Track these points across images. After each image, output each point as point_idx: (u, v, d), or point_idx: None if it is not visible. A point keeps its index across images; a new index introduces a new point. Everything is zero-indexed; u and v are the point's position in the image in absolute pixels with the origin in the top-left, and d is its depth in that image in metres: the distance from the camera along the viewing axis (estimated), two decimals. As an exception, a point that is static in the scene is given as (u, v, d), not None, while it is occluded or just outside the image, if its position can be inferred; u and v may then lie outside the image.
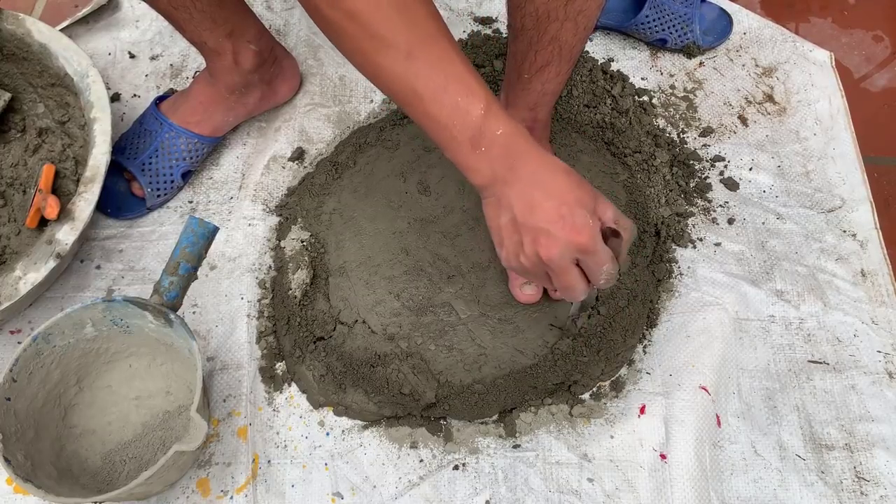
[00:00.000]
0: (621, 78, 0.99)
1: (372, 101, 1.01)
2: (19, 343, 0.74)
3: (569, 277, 0.57)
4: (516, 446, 0.77)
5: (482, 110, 0.53)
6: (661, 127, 0.97)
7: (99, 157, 0.80)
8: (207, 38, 0.84)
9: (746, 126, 0.98)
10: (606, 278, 0.58)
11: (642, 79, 1.01)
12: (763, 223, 0.90)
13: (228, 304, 0.86)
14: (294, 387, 0.81)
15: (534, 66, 0.69)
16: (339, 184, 0.88)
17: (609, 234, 0.58)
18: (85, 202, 0.78)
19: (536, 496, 0.74)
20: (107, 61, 1.04)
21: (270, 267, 0.88)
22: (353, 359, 0.78)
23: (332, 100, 1.00)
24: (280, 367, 0.82)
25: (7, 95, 0.89)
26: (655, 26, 1.01)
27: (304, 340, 0.80)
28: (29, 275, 0.75)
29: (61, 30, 0.98)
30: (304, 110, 0.99)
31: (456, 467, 0.76)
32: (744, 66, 1.03)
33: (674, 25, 1.01)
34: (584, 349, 0.77)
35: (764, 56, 1.03)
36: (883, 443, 0.76)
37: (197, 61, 1.04)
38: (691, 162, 0.94)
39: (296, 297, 0.81)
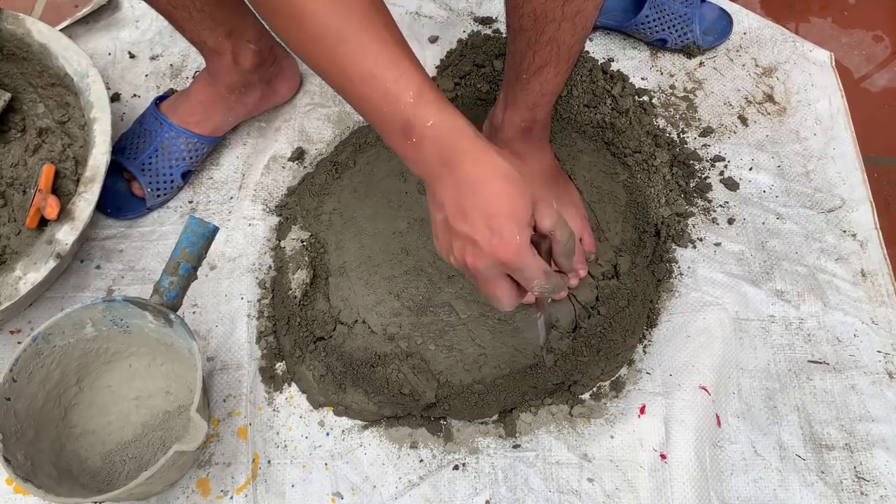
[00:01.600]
0: (621, 78, 0.99)
1: (372, 101, 1.00)
2: (19, 343, 0.74)
3: (493, 289, 0.55)
4: (516, 446, 0.77)
5: (412, 98, 0.50)
6: (661, 127, 0.97)
7: (99, 157, 0.80)
8: (207, 38, 0.84)
9: (746, 126, 0.98)
10: (542, 290, 0.54)
11: (642, 79, 1.01)
12: (763, 223, 0.90)
13: (228, 304, 0.86)
14: (294, 387, 0.81)
15: (532, 66, 0.69)
16: (339, 184, 0.88)
17: (541, 242, 0.55)
18: (85, 202, 0.78)
19: (536, 496, 0.74)
20: (107, 61, 1.04)
21: (270, 267, 0.88)
22: (353, 359, 0.78)
23: (332, 100, 1.00)
24: (280, 367, 0.82)
25: (7, 95, 0.89)
26: (655, 26, 1.00)
27: (304, 340, 0.80)
28: (29, 275, 0.75)
29: (61, 30, 0.98)
30: (304, 110, 0.99)
31: (456, 467, 0.76)
32: (744, 66, 1.03)
33: (674, 25, 1.01)
34: (584, 349, 0.77)
35: (764, 56, 1.03)
36: (883, 443, 0.76)
37: (197, 61, 1.04)
38: (691, 162, 0.94)
39: (296, 297, 0.81)
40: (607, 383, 0.80)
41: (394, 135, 0.52)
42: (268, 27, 0.55)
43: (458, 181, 0.52)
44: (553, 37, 0.65)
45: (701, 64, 1.03)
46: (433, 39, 1.05)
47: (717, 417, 0.77)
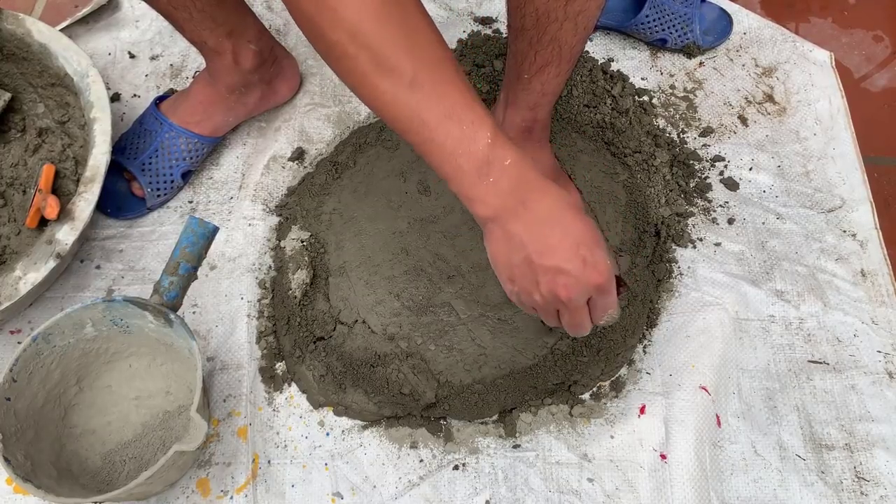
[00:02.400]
0: (621, 78, 0.99)
1: (372, 101, 1.00)
2: (19, 343, 0.74)
3: (581, 315, 0.57)
4: (516, 446, 0.77)
5: (489, 139, 0.51)
6: (661, 127, 0.97)
7: (99, 157, 0.80)
8: (207, 38, 0.84)
9: (746, 126, 0.98)
10: (607, 319, 0.59)
11: (642, 79, 1.01)
12: (763, 223, 0.90)
13: (228, 304, 0.86)
14: (294, 387, 0.81)
15: (534, 66, 0.69)
16: (339, 184, 0.88)
17: (618, 283, 0.59)
18: (85, 202, 0.78)
19: (536, 496, 0.74)
20: (107, 61, 1.04)
21: (270, 267, 0.88)
22: (353, 359, 0.78)
23: (332, 100, 1.00)
24: (280, 367, 0.82)
25: (7, 95, 0.89)
26: (655, 26, 1.00)
27: (304, 340, 0.80)
28: (29, 275, 0.75)
29: (61, 30, 0.98)
30: (304, 110, 0.99)
31: (456, 467, 0.76)
32: (744, 66, 1.03)
33: (674, 25, 1.01)
34: (584, 349, 0.77)
35: (764, 56, 1.03)
36: (883, 443, 0.76)
37: (197, 61, 1.04)
38: (691, 162, 0.94)
39: (296, 297, 0.81)
40: (607, 383, 0.80)
41: (468, 176, 0.52)
42: (335, 71, 0.53)
43: (538, 216, 0.53)
44: (555, 37, 0.65)
45: (701, 64, 1.03)
46: (433, 39, 1.05)
47: (717, 417, 0.77)
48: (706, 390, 0.77)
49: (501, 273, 0.59)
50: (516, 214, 0.53)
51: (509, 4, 0.66)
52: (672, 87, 1.01)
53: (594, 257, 0.53)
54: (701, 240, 0.88)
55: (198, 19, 0.81)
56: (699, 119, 0.98)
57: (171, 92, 0.99)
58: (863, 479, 0.75)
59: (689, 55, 1.03)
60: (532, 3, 0.62)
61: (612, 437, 0.76)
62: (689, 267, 0.86)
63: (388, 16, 0.49)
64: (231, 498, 0.75)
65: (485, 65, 1.00)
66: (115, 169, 0.90)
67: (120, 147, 0.92)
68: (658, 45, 1.03)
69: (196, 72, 1.02)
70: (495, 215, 0.54)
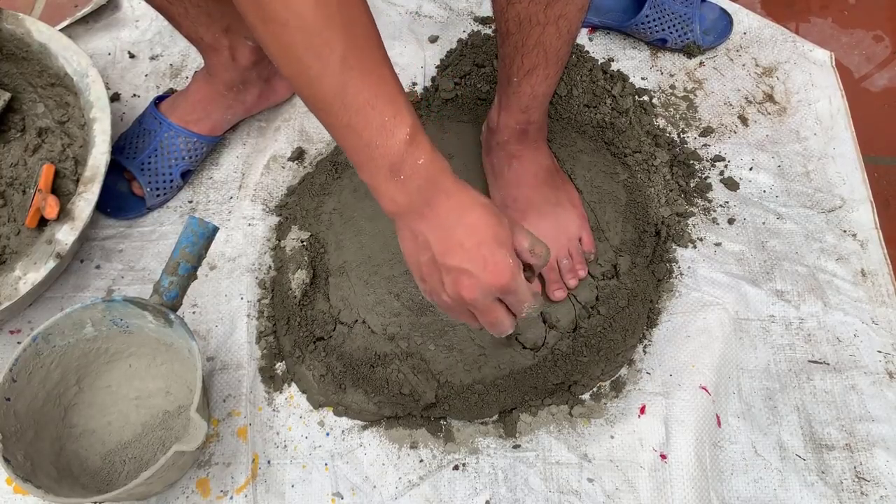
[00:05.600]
0: (621, 78, 0.99)
1: (372, 100, 1.00)
2: (19, 343, 0.74)
3: (492, 315, 0.56)
4: (516, 446, 0.77)
5: (408, 136, 0.49)
6: (661, 127, 0.97)
7: (99, 157, 0.80)
8: (204, 34, 0.84)
9: (746, 126, 0.98)
10: (531, 312, 0.57)
11: (642, 79, 1.01)
12: (763, 223, 0.90)
13: (228, 304, 0.86)
14: (294, 387, 0.81)
15: (521, 69, 0.69)
16: (339, 184, 0.88)
17: (525, 269, 0.57)
18: (85, 202, 0.78)
19: (536, 496, 0.74)
20: (107, 61, 1.04)
21: (270, 267, 0.88)
22: (353, 359, 0.78)
23: (332, 100, 1.00)
24: (280, 367, 0.82)
25: (7, 95, 0.89)
26: (655, 26, 1.00)
27: (304, 340, 0.80)
28: (29, 275, 0.75)
29: (61, 30, 0.98)
30: (303, 110, 0.99)
31: (456, 467, 0.76)
32: (744, 65, 1.03)
33: (674, 25, 1.01)
34: (584, 349, 0.77)
35: (764, 56, 1.03)
36: (883, 443, 0.76)
37: (196, 61, 1.04)
38: (691, 162, 0.94)
39: (296, 297, 0.81)
40: (607, 383, 0.80)
41: (380, 170, 0.51)
42: (255, 34, 0.50)
43: (441, 216, 0.52)
44: (539, 41, 0.65)
45: (701, 64, 1.03)
46: (433, 39, 1.05)
47: (717, 417, 0.77)
48: (706, 390, 0.77)
49: (413, 272, 0.58)
50: (422, 215, 0.53)
51: (494, 9, 0.67)
52: (672, 86, 1.01)
53: (495, 257, 0.52)
54: (701, 240, 0.88)
55: (194, 15, 0.81)
56: (699, 119, 0.98)
57: (171, 92, 0.99)
58: (863, 479, 0.75)
59: (690, 55, 1.03)
60: (514, 7, 0.63)
61: (612, 437, 0.76)
62: (689, 267, 0.86)
63: None
64: (231, 498, 0.75)
65: (485, 65, 1.00)
66: (115, 169, 0.90)
67: (119, 147, 0.92)
68: (658, 45, 1.03)
69: (195, 72, 1.02)
70: (401, 213, 0.53)
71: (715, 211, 0.91)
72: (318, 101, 0.50)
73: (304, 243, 0.84)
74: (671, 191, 0.91)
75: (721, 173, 0.94)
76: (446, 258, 0.53)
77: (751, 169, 0.94)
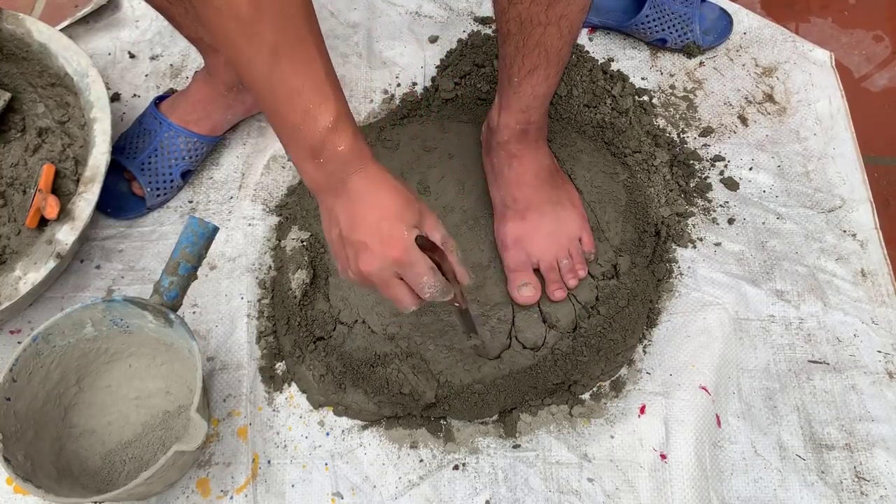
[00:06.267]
0: (621, 78, 0.99)
1: (372, 101, 1.01)
2: (19, 343, 0.74)
3: (391, 290, 0.58)
4: (516, 446, 0.77)
5: (330, 123, 0.53)
6: (661, 127, 0.97)
7: (99, 157, 0.80)
8: (204, 34, 0.84)
9: (746, 126, 0.98)
10: (431, 291, 0.58)
11: (642, 79, 1.01)
12: (763, 223, 0.90)
13: (228, 304, 0.86)
14: (294, 387, 0.81)
15: (522, 70, 0.69)
16: (339, 184, 0.88)
17: (427, 247, 0.58)
18: (85, 202, 0.78)
19: (536, 496, 0.74)
20: (107, 61, 1.04)
21: (270, 267, 0.88)
22: (353, 359, 0.78)
23: (332, 100, 1.00)
24: (280, 367, 0.82)
25: (7, 95, 0.89)
26: (655, 26, 1.01)
27: (304, 340, 0.80)
28: (29, 275, 0.75)
29: (61, 30, 0.98)
30: (304, 110, 0.99)
31: (456, 467, 0.76)
32: (744, 65, 1.03)
33: (674, 25, 1.01)
34: (584, 349, 0.77)
35: (764, 56, 1.03)
36: (883, 443, 0.76)
37: (197, 61, 1.04)
38: (691, 162, 0.94)
39: (296, 297, 0.81)
40: (607, 383, 0.80)
41: (303, 152, 0.55)
42: (196, 11, 0.53)
43: (352, 194, 0.56)
44: (540, 41, 0.66)
45: (701, 64, 1.03)
46: (433, 39, 1.05)
47: (717, 417, 0.77)
48: (706, 390, 0.77)
49: (330, 248, 0.61)
50: (336, 192, 0.56)
51: (495, 10, 0.68)
52: (672, 86, 1.01)
53: (391, 230, 0.55)
54: (701, 240, 0.88)
55: (194, 15, 0.81)
56: (699, 119, 0.98)
57: (171, 92, 0.99)
58: (863, 479, 0.75)
59: (689, 55, 1.03)
60: (515, 8, 0.63)
61: (612, 437, 0.76)
62: (689, 267, 0.86)
63: None
64: (231, 498, 0.75)
65: (485, 65, 1.00)
66: (115, 169, 0.90)
67: (119, 147, 0.92)
68: (658, 45, 1.03)
69: (195, 72, 1.02)
70: (319, 190, 0.57)
71: (715, 211, 0.91)
72: (248, 84, 0.54)
73: (304, 243, 0.84)
74: (671, 191, 0.91)
75: (721, 173, 0.94)
76: (351, 233, 0.56)
77: (751, 169, 0.94)
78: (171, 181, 0.91)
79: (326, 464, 0.76)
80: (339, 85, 0.55)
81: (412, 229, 0.56)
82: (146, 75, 1.03)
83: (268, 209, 0.92)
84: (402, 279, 0.58)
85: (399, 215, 0.56)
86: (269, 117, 0.55)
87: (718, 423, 0.77)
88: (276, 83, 0.52)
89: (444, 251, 0.59)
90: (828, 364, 0.81)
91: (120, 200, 0.91)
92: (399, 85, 1.02)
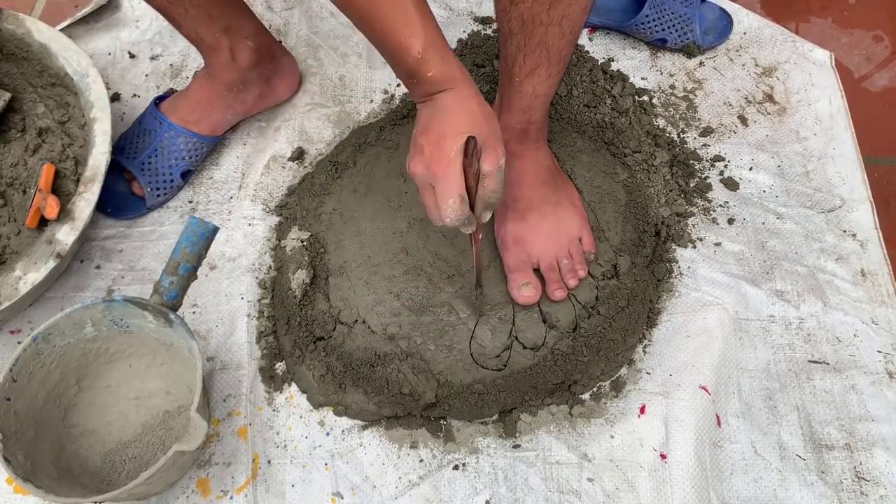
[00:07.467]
0: (621, 78, 0.99)
1: (372, 101, 1.01)
2: (19, 343, 0.74)
3: (425, 198, 0.64)
4: (516, 446, 0.77)
5: (419, 54, 0.60)
6: (661, 127, 0.97)
7: (99, 157, 0.80)
8: (204, 34, 0.84)
9: (746, 126, 0.98)
10: (451, 217, 0.61)
11: (642, 79, 1.01)
12: (763, 223, 0.90)
13: (228, 304, 0.86)
14: (294, 387, 0.81)
15: (524, 69, 0.69)
16: (339, 184, 0.88)
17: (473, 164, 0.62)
18: (85, 202, 0.78)
19: (536, 496, 0.74)
20: (107, 61, 1.04)
21: (270, 267, 0.88)
22: (353, 359, 0.78)
23: (332, 100, 1.00)
24: (280, 367, 0.82)
25: (7, 95, 0.89)
26: (655, 26, 1.01)
27: (304, 340, 0.80)
28: (29, 275, 0.75)
29: (61, 30, 0.98)
30: (303, 110, 0.99)
31: (456, 467, 0.76)
32: (744, 65, 1.03)
33: (674, 25, 1.01)
34: (584, 349, 0.77)
35: (764, 56, 1.03)
36: (883, 443, 0.76)
37: (196, 61, 1.04)
38: (691, 162, 0.94)
39: (296, 297, 0.81)
40: (607, 383, 0.80)
41: (401, 74, 0.63)
42: None
43: (436, 106, 0.62)
44: (542, 40, 0.66)
45: (701, 64, 1.03)
46: (433, 39, 1.05)
47: (717, 417, 0.77)
48: (706, 390, 0.77)
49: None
50: (425, 104, 0.64)
51: (496, 9, 0.68)
52: (672, 86, 1.01)
53: (443, 146, 0.60)
54: (701, 240, 0.88)
55: (193, 15, 0.81)
56: (699, 119, 0.98)
57: (171, 92, 0.99)
58: (863, 479, 0.75)
59: (689, 55, 1.03)
60: (517, 7, 0.64)
61: (612, 437, 0.76)
62: (689, 267, 0.86)
63: None
64: (231, 498, 0.75)
65: (485, 65, 1.00)
66: (115, 169, 0.90)
67: (119, 147, 0.92)
68: (658, 45, 1.03)
69: (195, 72, 1.02)
70: (416, 101, 0.65)
71: (715, 211, 0.91)
72: (354, 19, 0.62)
73: (304, 243, 0.84)
74: (671, 191, 0.91)
75: (721, 173, 0.94)
76: (418, 135, 0.63)
77: (750, 169, 0.94)
78: (171, 181, 0.91)
79: (326, 464, 0.76)
80: (431, 16, 0.61)
81: (461, 152, 0.60)
82: (146, 75, 1.03)
83: (268, 209, 0.92)
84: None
85: (456, 135, 0.60)
86: (375, 45, 0.63)
87: (718, 423, 0.77)
88: (376, 19, 0.60)
89: (480, 184, 0.62)
90: (828, 364, 0.81)
91: (120, 200, 0.91)
92: (399, 85, 1.02)
